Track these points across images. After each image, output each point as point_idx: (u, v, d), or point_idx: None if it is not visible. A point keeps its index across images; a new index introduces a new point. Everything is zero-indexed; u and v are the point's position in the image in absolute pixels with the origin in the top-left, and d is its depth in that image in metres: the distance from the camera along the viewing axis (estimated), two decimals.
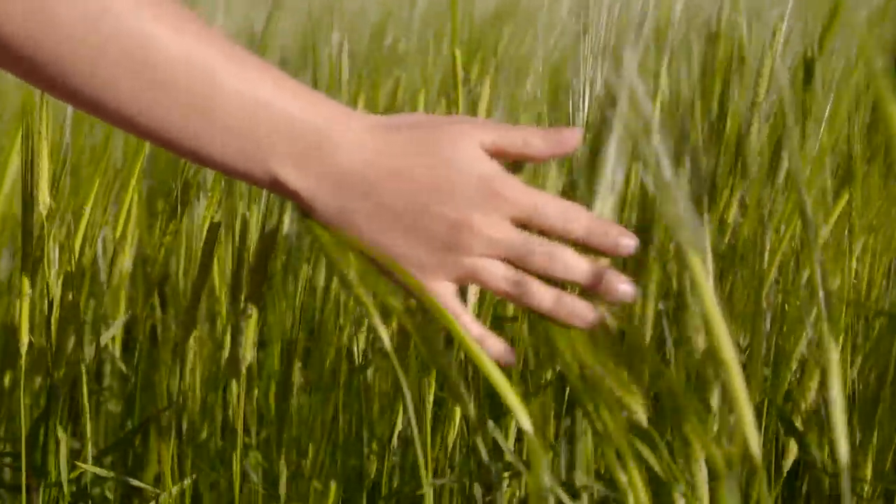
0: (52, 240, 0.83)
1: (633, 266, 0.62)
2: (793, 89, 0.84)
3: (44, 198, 0.81)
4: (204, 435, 0.99)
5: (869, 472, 0.87)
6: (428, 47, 1.59)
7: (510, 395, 0.57)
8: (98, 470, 0.89)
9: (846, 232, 0.86)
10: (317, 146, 0.57)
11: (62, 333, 0.86)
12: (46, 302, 0.85)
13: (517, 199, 0.57)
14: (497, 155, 0.59)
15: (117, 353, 1.14)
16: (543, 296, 0.58)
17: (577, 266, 0.58)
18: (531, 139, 0.58)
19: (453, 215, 0.57)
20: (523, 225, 0.58)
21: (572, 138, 0.59)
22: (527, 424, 0.56)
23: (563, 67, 1.56)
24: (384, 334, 0.59)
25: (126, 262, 0.99)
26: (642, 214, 0.64)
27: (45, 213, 0.80)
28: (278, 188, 0.58)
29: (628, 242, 0.57)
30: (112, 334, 1.06)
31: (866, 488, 0.87)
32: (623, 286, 0.57)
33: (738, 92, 0.85)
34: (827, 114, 0.83)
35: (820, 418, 0.84)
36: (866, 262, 0.89)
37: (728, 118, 0.85)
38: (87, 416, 0.89)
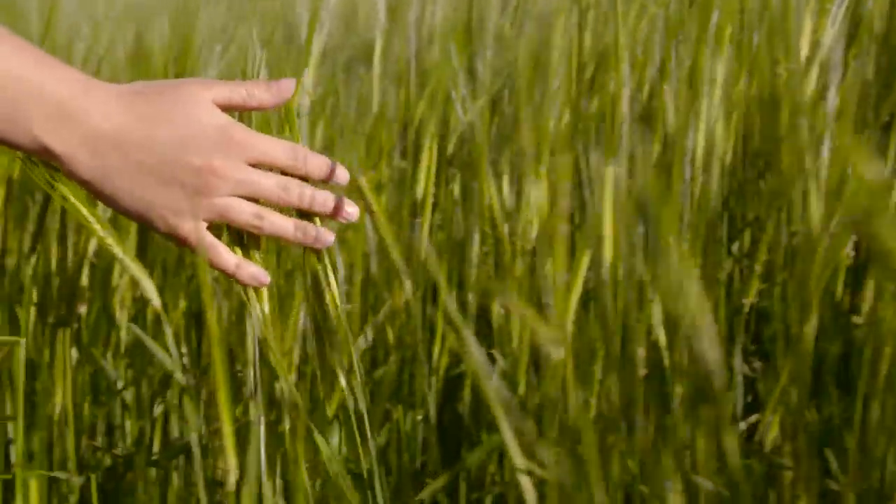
0: None
1: None
2: None
3: None
4: None
5: None
6: None
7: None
8: None
9: None
10: (73, 114, 0.64)
11: None
12: None
13: (251, 144, 0.66)
14: (226, 108, 0.67)
15: None
16: (286, 225, 0.68)
17: (309, 195, 0.68)
18: (255, 91, 0.68)
19: (198, 163, 0.65)
20: (259, 166, 0.67)
21: (289, 87, 0.68)
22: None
23: None
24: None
25: None
26: None
27: None
28: (44, 154, 0.65)
29: (341, 172, 0.69)
30: None
31: None
32: (349, 208, 0.69)
33: None
34: None
35: None
36: None
37: None
38: None
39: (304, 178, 0.68)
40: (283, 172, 0.68)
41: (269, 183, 0.67)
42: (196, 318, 1.21)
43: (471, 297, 1.18)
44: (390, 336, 1.02)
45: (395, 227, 1.19)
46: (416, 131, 1.24)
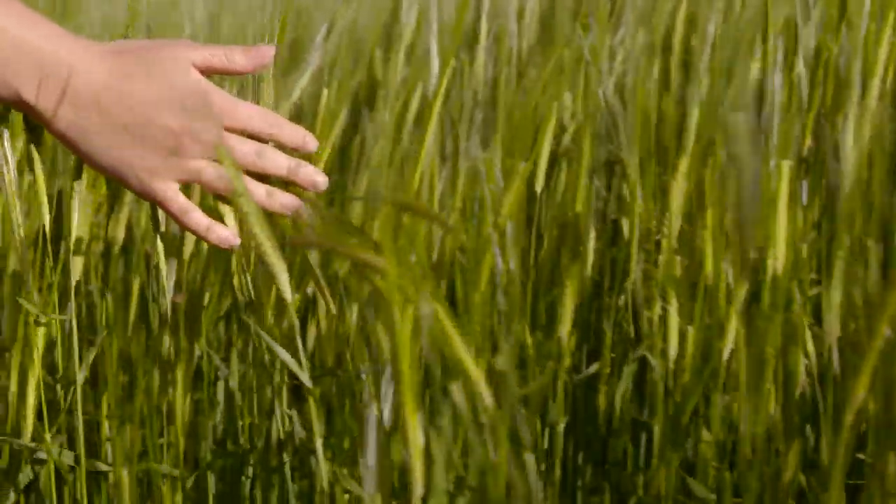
0: None
1: None
2: None
3: None
4: None
5: None
6: None
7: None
8: None
9: None
10: (55, 71, 0.65)
11: None
12: None
13: (228, 109, 0.67)
14: (206, 71, 0.67)
15: None
16: (257, 191, 0.69)
17: (281, 162, 0.68)
18: (233, 56, 0.68)
19: (175, 125, 0.66)
20: (235, 131, 0.67)
21: (268, 53, 0.68)
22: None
23: None
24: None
25: None
26: None
27: None
28: (20, 106, 0.65)
29: (311, 141, 0.69)
30: None
31: None
32: (318, 177, 0.69)
33: None
34: None
35: None
36: None
37: None
38: None
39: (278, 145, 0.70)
40: (258, 139, 0.69)
41: (243, 148, 0.67)
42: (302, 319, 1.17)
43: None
44: (527, 338, 0.97)
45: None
46: (535, 119, 1.18)
